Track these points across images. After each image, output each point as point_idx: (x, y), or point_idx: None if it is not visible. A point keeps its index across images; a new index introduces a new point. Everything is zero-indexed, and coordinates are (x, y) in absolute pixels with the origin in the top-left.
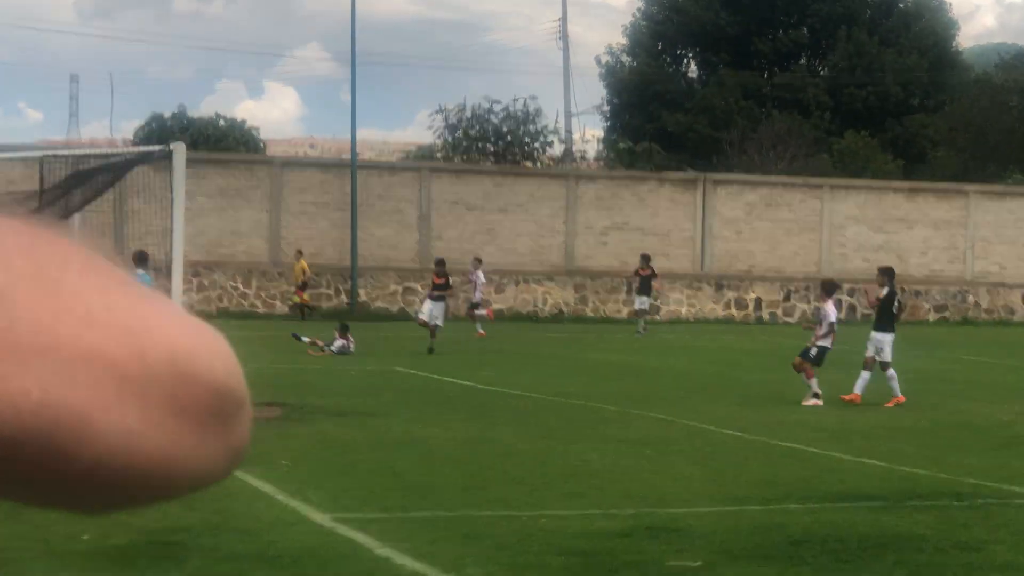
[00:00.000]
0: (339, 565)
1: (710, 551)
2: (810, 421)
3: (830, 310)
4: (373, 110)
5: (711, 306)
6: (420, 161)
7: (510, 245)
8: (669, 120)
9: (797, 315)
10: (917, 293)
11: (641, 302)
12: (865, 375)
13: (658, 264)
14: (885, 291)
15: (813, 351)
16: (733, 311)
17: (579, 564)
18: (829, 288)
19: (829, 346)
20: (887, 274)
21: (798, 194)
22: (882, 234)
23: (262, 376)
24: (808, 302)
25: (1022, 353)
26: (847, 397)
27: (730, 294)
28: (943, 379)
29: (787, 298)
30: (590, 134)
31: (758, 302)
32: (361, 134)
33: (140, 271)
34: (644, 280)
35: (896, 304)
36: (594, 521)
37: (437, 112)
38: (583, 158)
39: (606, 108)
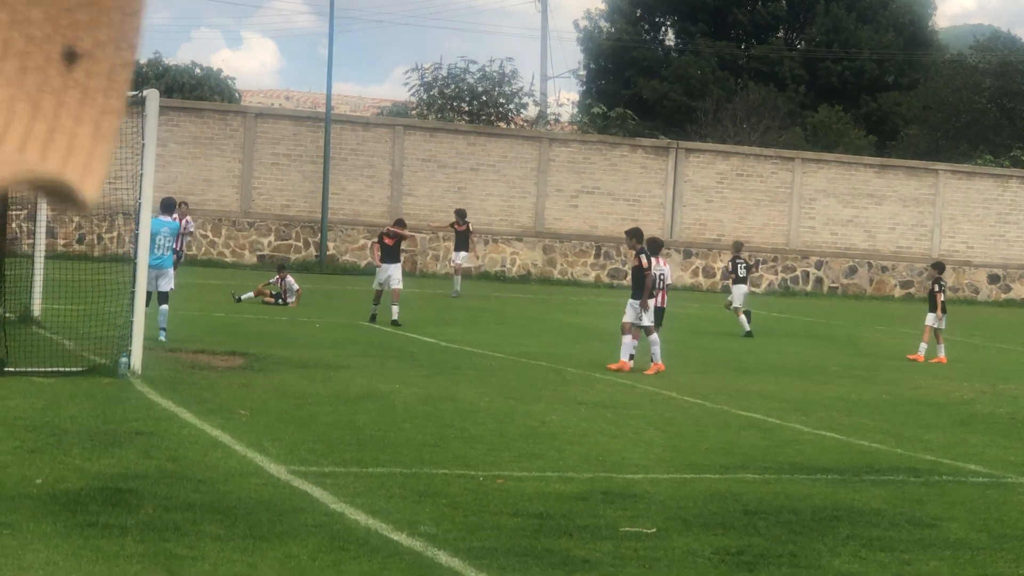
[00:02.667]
0: (293, 518)
1: (665, 517)
2: (772, 391)
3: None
4: (350, 65)
5: (679, 273)
6: (394, 118)
7: (480, 205)
8: (645, 87)
9: (764, 285)
10: (884, 269)
11: (457, 257)
12: None
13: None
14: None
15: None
16: (700, 279)
17: (533, 526)
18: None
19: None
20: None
21: (769, 166)
22: (851, 208)
23: (225, 325)
24: (776, 273)
25: (985, 332)
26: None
27: (698, 262)
28: (905, 355)
29: (755, 268)
30: (565, 98)
31: (726, 271)
32: (337, 88)
33: (167, 218)
34: (460, 235)
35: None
36: (551, 483)
37: (413, 70)
38: (557, 121)
39: (582, 73)
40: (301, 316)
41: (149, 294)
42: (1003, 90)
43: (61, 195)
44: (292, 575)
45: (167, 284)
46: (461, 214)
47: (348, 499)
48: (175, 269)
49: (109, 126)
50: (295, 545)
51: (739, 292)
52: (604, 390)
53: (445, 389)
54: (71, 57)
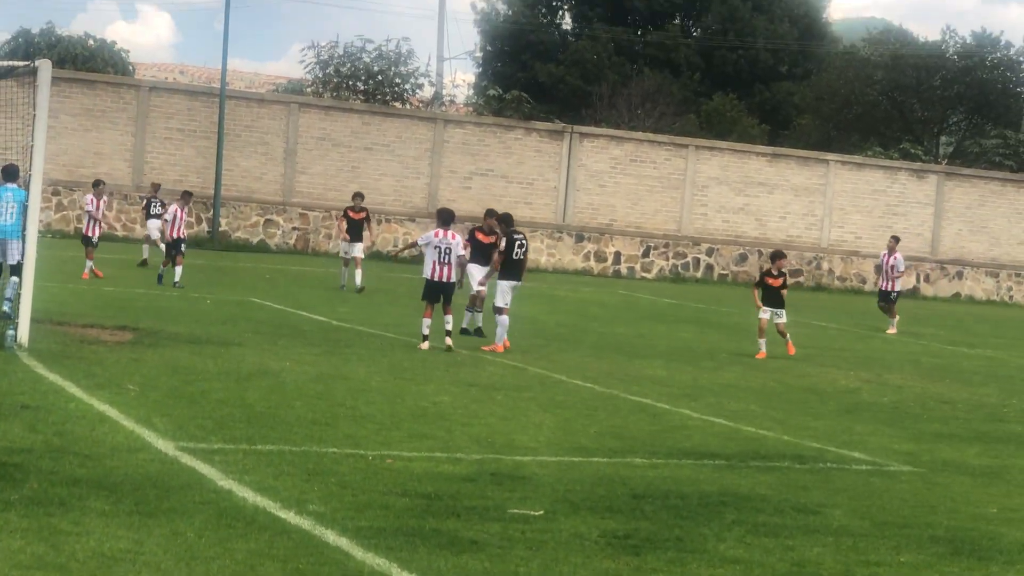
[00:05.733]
0: (180, 495)
1: (553, 500)
2: (662, 377)
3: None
4: (246, 41)
5: (571, 257)
6: (289, 95)
7: (374, 184)
8: (541, 70)
9: (655, 271)
10: None
11: (354, 249)
12: None
13: (520, 213)
14: None
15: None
16: (592, 263)
17: (422, 506)
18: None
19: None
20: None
21: (663, 152)
22: (743, 196)
23: (116, 299)
24: (667, 259)
25: (872, 321)
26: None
27: (590, 246)
28: (794, 343)
29: (646, 254)
30: (461, 79)
31: (617, 256)
32: (232, 64)
33: (11, 185)
34: (356, 224)
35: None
36: (440, 464)
37: (309, 48)
38: (452, 102)
39: (478, 55)
40: (192, 292)
41: None
42: (894, 83)
43: None
44: (179, 552)
45: (14, 256)
46: (360, 197)
47: (236, 476)
48: (182, 256)
49: None
50: (182, 522)
51: (153, 226)
52: (495, 372)
53: (336, 368)
54: None
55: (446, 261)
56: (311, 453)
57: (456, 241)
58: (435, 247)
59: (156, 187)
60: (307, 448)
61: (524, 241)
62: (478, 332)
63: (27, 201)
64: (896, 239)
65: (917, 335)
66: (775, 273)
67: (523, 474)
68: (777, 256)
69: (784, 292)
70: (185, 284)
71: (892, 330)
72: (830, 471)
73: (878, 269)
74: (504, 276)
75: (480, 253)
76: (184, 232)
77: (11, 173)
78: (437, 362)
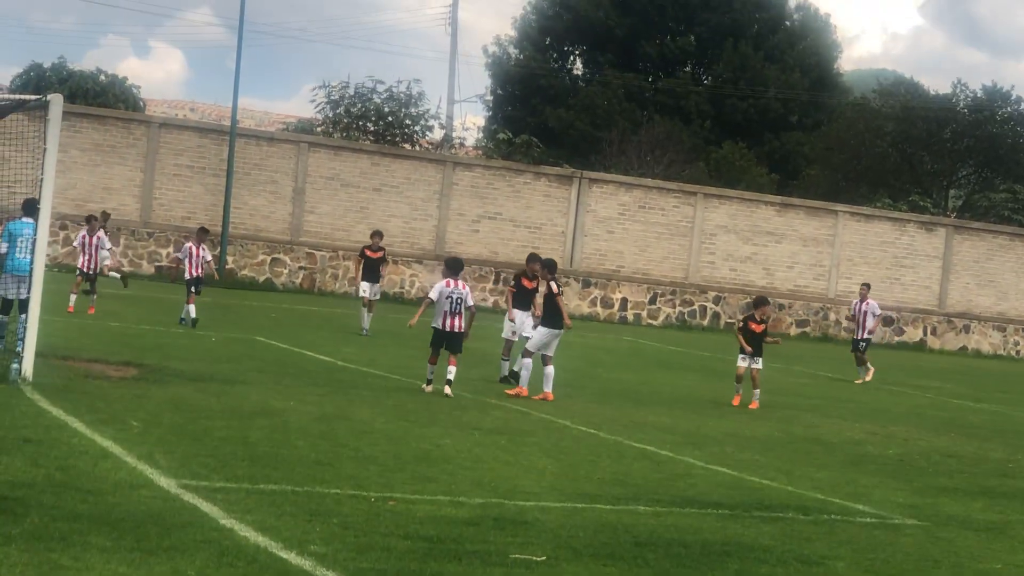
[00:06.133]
0: (181, 533)
1: (555, 546)
2: (666, 424)
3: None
4: (257, 79)
5: (577, 302)
6: (299, 134)
7: (382, 225)
8: (551, 115)
9: (662, 318)
10: (781, 306)
11: (371, 290)
12: None
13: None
14: None
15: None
16: (599, 309)
17: (423, 549)
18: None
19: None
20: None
21: (672, 199)
22: (751, 246)
23: (122, 335)
24: (674, 307)
25: (878, 373)
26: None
27: (597, 292)
28: (799, 393)
29: (653, 301)
30: (471, 122)
31: (624, 302)
32: (243, 102)
33: (30, 220)
34: (373, 263)
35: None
36: (442, 507)
37: (320, 87)
38: (462, 145)
39: (489, 98)
40: (198, 330)
41: (9, 302)
42: (904, 135)
43: None
44: None
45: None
46: (378, 236)
47: (238, 515)
48: (199, 294)
49: None
50: (183, 560)
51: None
52: (499, 416)
53: (340, 408)
54: None
55: (456, 311)
56: (313, 493)
57: (466, 291)
58: (447, 297)
59: (105, 216)
60: (309, 488)
61: (561, 289)
62: (513, 376)
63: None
64: (867, 286)
65: (923, 388)
66: (759, 319)
67: (526, 519)
68: (760, 302)
69: (767, 340)
70: (199, 321)
71: (866, 378)
72: (834, 523)
73: (851, 318)
74: (549, 323)
75: (526, 298)
76: (202, 271)
77: (31, 208)
78: (441, 405)
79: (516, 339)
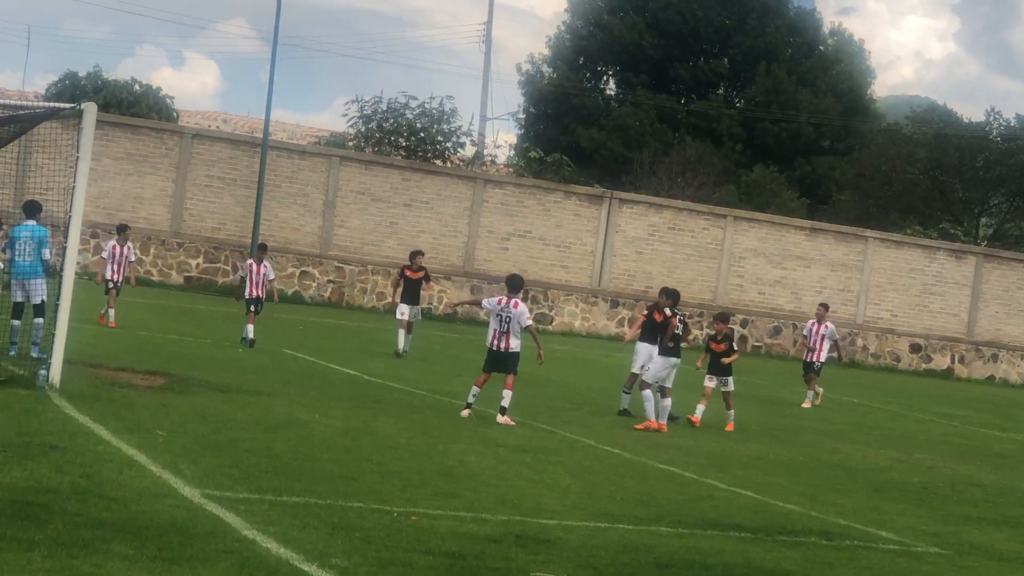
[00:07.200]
0: (203, 542)
1: (576, 565)
2: (690, 446)
3: None
4: (290, 92)
5: (604, 322)
6: (331, 148)
7: (412, 241)
8: (583, 135)
9: (690, 340)
10: None
11: (409, 312)
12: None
13: (556, 276)
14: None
15: None
16: (626, 329)
17: (445, 565)
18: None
19: None
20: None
21: (702, 221)
22: (780, 269)
23: (150, 344)
24: (702, 329)
25: (904, 400)
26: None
27: (624, 312)
28: (824, 418)
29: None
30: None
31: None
32: (276, 115)
33: (31, 223)
34: (413, 283)
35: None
36: (465, 523)
37: (353, 101)
38: (493, 162)
39: (522, 116)
40: (225, 340)
41: (20, 305)
42: (936, 162)
43: None
44: None
45: (38, 295)
46: (419, 255)
47: (261, 526)
48: (258, 313)
49: None
50: (204, 570)
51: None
52: (524, 434)
53: (365, 423)
54: None
55: (506, 330)
56: (336, 507)
57: (520, 311)
58: (496, 315)
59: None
60: (332, 502)
61: (683, 319)
62: (624, 413)
63: (47, 238)
64: (825, 307)
65: (950, 416)
66: (718, 338)
67: (548, 537)
68: (719, 318)
69: (728, 359)
70: (255, 341)
71: (809, 403)
72: (856, 549)
73: (805, 338)
74: (669, 353)
75: (653, 332)
76: (263, 291)
77: (31, 209)
78: (466, 422)
79: (642, 373)
